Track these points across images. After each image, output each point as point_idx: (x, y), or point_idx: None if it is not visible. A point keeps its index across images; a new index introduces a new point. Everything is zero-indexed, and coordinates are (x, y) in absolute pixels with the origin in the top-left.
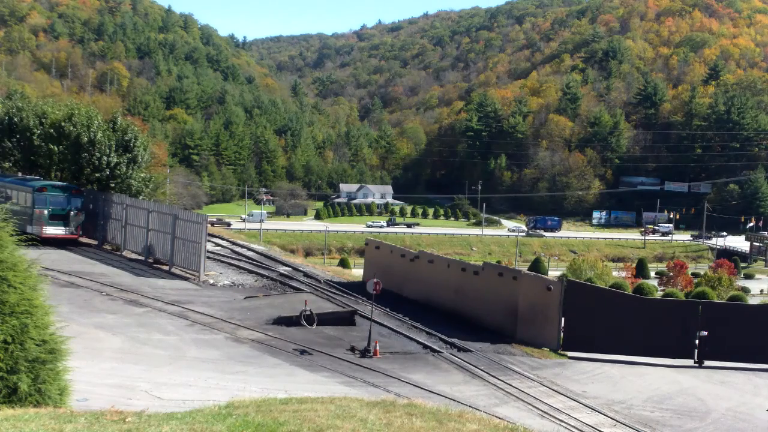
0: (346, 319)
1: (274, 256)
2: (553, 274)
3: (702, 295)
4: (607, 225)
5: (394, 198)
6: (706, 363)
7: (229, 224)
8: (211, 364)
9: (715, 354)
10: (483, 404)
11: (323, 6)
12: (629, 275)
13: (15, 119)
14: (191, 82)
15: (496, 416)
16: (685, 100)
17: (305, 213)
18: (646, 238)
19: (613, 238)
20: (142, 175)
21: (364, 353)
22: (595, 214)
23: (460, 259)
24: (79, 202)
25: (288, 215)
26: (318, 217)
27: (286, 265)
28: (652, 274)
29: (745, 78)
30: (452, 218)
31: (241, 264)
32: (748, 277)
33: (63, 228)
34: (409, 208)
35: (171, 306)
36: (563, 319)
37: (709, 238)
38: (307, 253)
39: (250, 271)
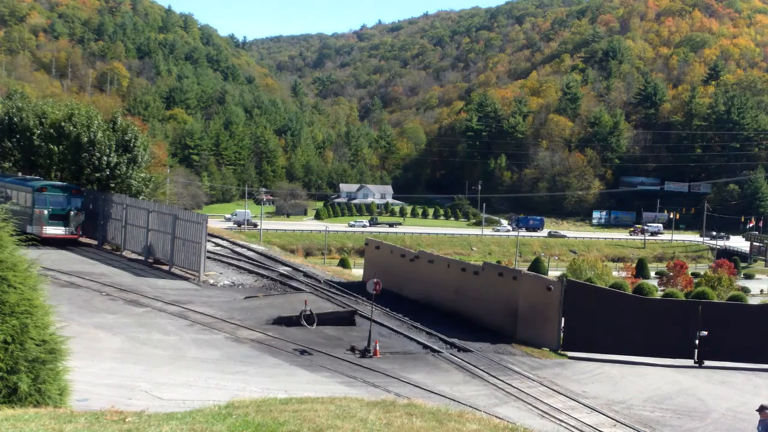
0: (346, 319)
1: (274, 256)
2: (553, 274)
3: (702, 295)
4: (607, 225)
5: (394, 198)
6: (706, 363)
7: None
8: (211, 364)
9: (715, 354)
10: (483, 404)
11: (323, 6)
12: (629, 275)
13: (15, 119)
14: (191, 82)
15: (496, 416)
16: (685, 100)
17: (305, 213)
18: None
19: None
20: (142, 175)
21: (364, 353)
22: (595, 214)
23: (460, 259)
24: (79, 202)
25: (288, 215)
26: (318, 217)
27: (286, 265)
28: (652, 274)
29: (745, 78)
30: (452, 218)
31: (241, 264)
32: (748, 277)
33: (63, 228)
34: (409, 208)
35: (171, 306)
36: (563, 319)
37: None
38: (307, 253)
39: (250, 271)
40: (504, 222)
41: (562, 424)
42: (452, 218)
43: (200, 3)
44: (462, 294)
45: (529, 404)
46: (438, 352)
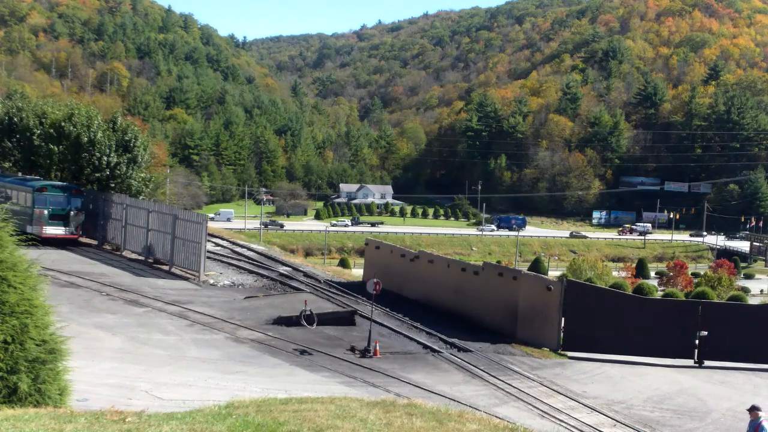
0: (346, 319)
1: (274, 256)
2: (553, 274)
3: (702, 295)
4: (607, 225)
5: (394, 198)
6: (706, 363)
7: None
8: (211, 364)
9: (715, 354)
10: (483, 404)
11: (323, 6)
12: (629, 275)
13: (15, 119)
14: (191, 82)
15: (496, 416)
16: (685, 100)
17: (305, 213)
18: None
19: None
20: (142, 175)
21: (364, 353)
22: (595, 214)
23: (460, 259)
24: (79, 202)
25: (288, 215)
26: (318, 217)
27: (286, 265)
28: (652, 274)
29: (745, 78)
30: (452, 218)
31: (241, 264)
32: (748, 277)
33: (63, 228)
34: (409, 208)
35: (171, 306)
36: (563, 319)
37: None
38: (307, 253)
39: (250, 271)
40: (491, 225)
41: (562, 424)
42: (452, 218)
43: (200, 3)
44: (462, 294)
45: (529, 404)
46: (438, 352)
